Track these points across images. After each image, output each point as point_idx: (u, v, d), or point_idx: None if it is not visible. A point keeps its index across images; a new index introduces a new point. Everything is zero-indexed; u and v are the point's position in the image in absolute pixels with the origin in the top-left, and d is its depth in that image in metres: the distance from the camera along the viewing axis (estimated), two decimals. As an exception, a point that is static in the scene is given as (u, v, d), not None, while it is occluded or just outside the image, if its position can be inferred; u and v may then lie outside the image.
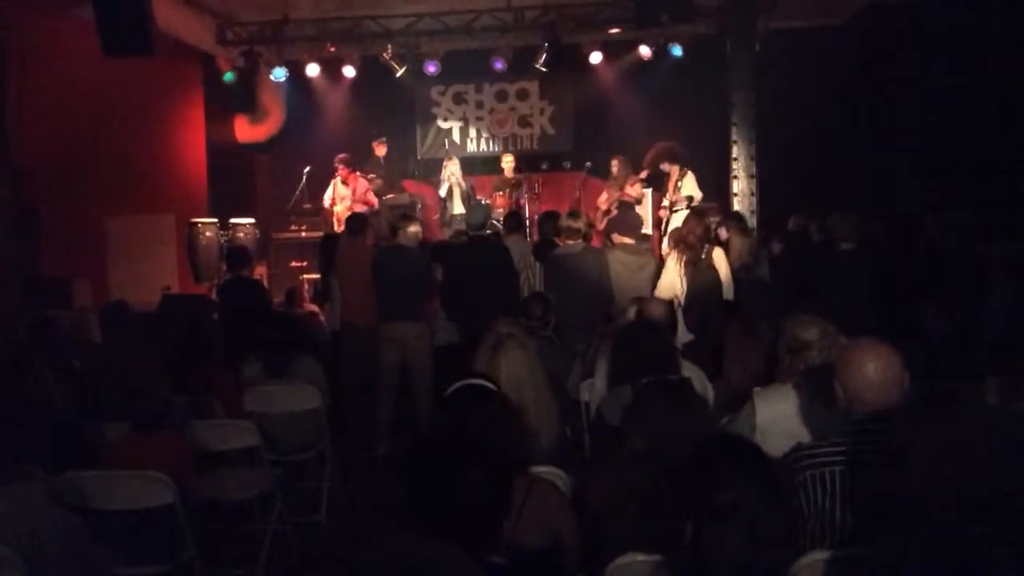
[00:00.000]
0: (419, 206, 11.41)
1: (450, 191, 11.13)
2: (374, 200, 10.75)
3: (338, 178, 10.76)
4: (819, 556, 2.41)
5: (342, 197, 10.72)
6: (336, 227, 10.53)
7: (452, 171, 11.20)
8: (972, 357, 3.93)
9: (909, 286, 5.76)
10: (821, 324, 3.31)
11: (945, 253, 6.28)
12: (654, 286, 6.43)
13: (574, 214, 6.89)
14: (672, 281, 6.32)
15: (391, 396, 6.59)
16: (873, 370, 2.65)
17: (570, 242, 6.56)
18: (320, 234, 10.84)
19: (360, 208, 10.27)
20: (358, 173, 10.86)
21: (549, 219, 7.51)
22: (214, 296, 9.18)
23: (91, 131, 9.55)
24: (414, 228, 6.79)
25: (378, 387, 6.56)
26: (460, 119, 13.17)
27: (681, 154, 9.70)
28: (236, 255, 7.78)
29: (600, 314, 5.76)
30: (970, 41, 8.94)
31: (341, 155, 10.85)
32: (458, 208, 11.03)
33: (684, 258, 6.35)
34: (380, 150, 11.48)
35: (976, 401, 3.09)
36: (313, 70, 11.74)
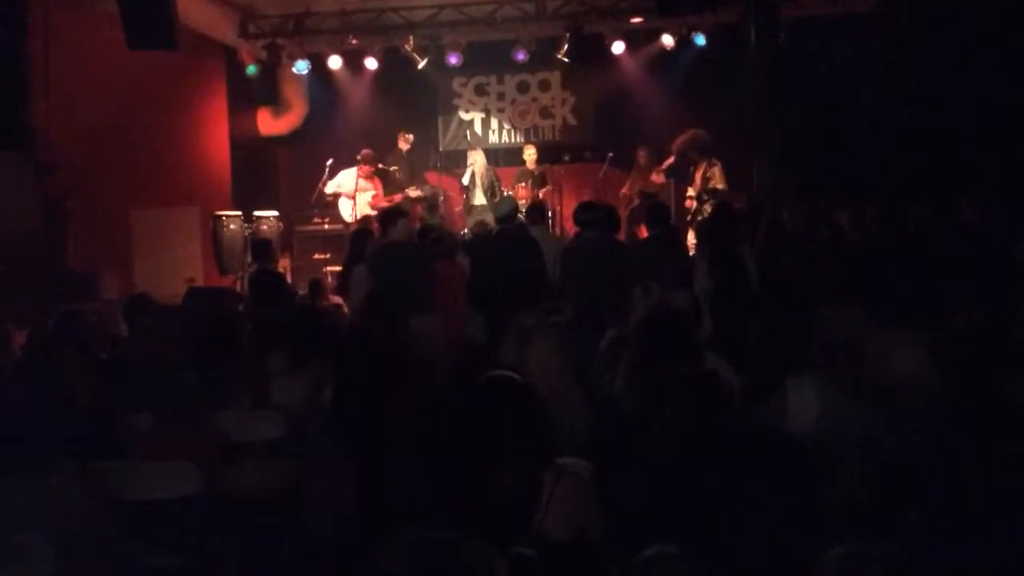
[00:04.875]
0: (441, 197, 11.43)
1: (472, 181, 11.12)
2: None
3: (355, 170, 10.78)
4: (848, 548, 2.38)
5: (363, 189, 10.74)
6: (352, 218, 10.63)
7: (475, 160, 11.19)
8: (1003, 351, 3.87)
9: (940, 278, 5.69)
10: (853, 315, 3.28)
11: (976, 246, 6.19)
12: (684, 279, 6.40)
13: (586, 205, 6.95)
14: (703, 273, 6.30)
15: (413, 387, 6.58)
16: (904, 361, 2.63)
17: (586, 233, 6.60)
18: (341, 226, 10.93)
19: (379, 206, 10.33)
20: (377, 177, 10.91)
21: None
22: (244, 288, 9.25)
23: (116, 125, 9.62)
24: (403, 222, 6.83)
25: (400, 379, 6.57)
26: (482, 110, 13.15)
27: (710, 144, 9.64)
28: (262, 247, 7.85)
29: (617, 305, 5.74)
30: (1002, 25, 8.79)
31: (365, 151, 10.85)
32: (479, 199, 11.01)
33: (712, 250, 6.32)
34: (404, 144, 11.51)
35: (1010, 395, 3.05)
36: (335, 62, 11.75)
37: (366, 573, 1.60)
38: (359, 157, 10.80)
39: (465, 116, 13.17)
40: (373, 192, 10.84)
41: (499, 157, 12.55)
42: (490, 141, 12.97)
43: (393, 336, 4.46)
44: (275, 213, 10.94)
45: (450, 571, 1.68)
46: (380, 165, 11.08)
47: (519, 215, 8.61)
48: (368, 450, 3.29)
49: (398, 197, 10.91)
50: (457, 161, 12.32)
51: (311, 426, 5.05)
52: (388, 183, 11.16)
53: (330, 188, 10.93)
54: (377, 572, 1.66)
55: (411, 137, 11.62)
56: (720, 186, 9.55)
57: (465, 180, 11.19)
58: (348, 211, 10.85)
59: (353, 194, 10.75)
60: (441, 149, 13.13)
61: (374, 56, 11.72)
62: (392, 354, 3.83)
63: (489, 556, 1.79)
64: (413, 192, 11.24)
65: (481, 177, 11.08)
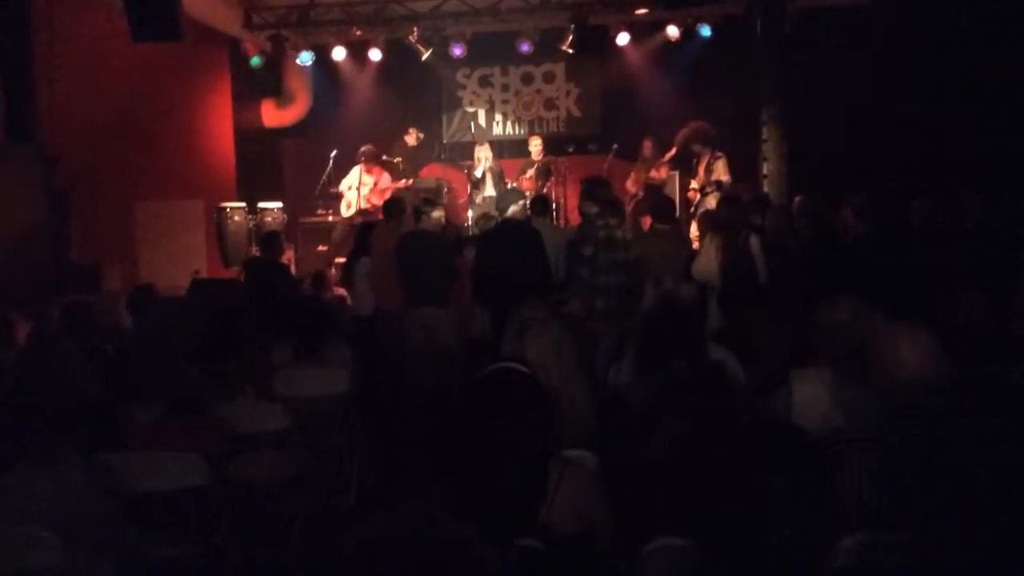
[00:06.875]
0: (444, 190, 11.40)
1: (484, 175, 11.12)
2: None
3: (361, 167, 10.77)
4: (856, 540, 2.37)
5: (363, 184, 10.73)
6: (346, 211, 10.70)
7: (484, 155, 11.20)
8: (1008, 342, 3.86)
9: (944, 270, 5.68)
10: (855, 306, 3.27)
11: (980, 239, 6.18)
12: (688, 271, 6.40)
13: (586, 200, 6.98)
14: (708, 265, 6.29)
15: (421, 380, 6.59)
16: (911, 353, 2.61)
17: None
18: (344, 218, 10.92)
19: (377, 199, 10.30)
20: (379, 167, 10.89)
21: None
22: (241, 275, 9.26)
23: (120, 117, 9.63)
24: (437, 213, 6.82)
25: (408, 371, 6.58)
26: (486, 102, 13.12)
27: (714, 137, 9.61)
28: (269, 239, 7.87)
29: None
30: (1006, 17, 8.74)
31: (365, 147, 10.82)
32: (490, 191, 11.00)
33: (719, 243, 6.31)
34: (411, 139, 11.50)
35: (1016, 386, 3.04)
36: (339, 54, 11.74)
37: (369, 560, 1.59)
38: (360, 153, 10.77)
39: (469, 108, 13.14)
40: (371, 184, 10.79)
41: (504, 149, 12.52)
42: (494, 133, 12.93)
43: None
44: (279, 204, 10.93)
45: (448, 559, 1.66)
46: (384, 157, 11.06)
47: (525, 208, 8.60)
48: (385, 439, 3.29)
49: (408, 182, 10.90)
50: (461, 153, 12.30)
51: (317, 416, 5.06)
52: (394, 172, 11.13)
53: (343, 186, 10.92)
54: (381, 559, 1.65)
55: (422, 136, 11.62)
56: (724, 178, 9.52)
57: (478, 173, 11.15)
58: (345, 208, 10.87)
59: (358, 188, 10.76)
60: (445, 141, 13.11)
61: (378, 47, 11.70)
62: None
63: (485, 553, 1.77)
64: (415, 181, 11.22)
65: (491, 171, 11.08)
